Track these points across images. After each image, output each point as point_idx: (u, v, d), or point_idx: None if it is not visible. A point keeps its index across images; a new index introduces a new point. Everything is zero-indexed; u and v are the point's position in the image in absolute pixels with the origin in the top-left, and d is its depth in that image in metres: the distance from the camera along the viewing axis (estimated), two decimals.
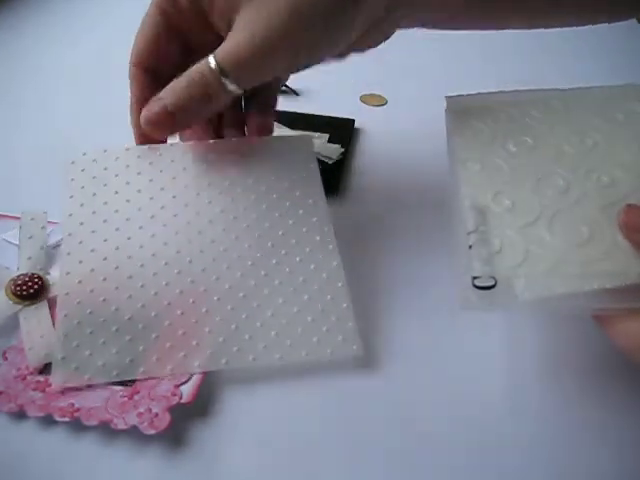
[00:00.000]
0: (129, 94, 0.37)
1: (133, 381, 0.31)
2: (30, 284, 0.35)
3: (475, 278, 0.28)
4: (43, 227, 0.38)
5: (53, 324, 0.33)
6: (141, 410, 0.30)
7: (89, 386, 0.31)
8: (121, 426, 0.29)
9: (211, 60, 0.31)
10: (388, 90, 0.56)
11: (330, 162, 0.46)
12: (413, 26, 0.36)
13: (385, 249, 0.40)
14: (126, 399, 0.30)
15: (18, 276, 0.35)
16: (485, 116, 0.35)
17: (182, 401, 0.30)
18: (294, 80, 0.56)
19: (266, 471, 0.29)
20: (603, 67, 0.58)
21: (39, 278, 0.35)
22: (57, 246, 0.38)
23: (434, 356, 0.34)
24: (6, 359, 0.32)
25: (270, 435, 0.30)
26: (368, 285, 0.37)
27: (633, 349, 0.26)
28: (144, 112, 0.34)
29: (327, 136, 0.49)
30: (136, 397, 0.30)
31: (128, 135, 0.49)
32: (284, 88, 0.56)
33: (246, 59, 0.31)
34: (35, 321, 0.34)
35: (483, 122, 0.35)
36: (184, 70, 0.33)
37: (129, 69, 0.36)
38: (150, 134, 0.35)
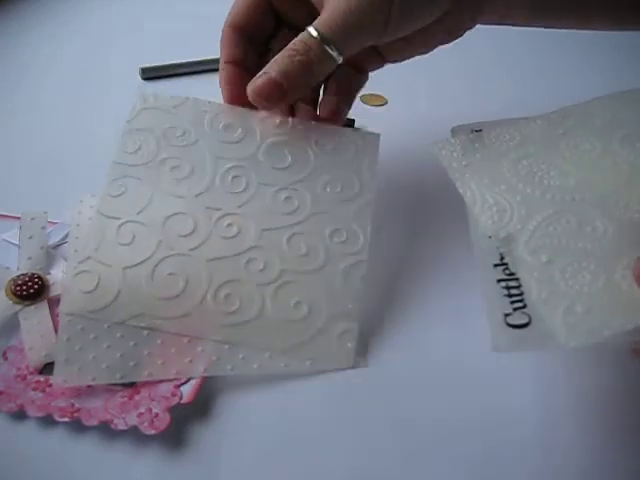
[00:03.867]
0: (220, 54, 0.38)
1: (134, 382, 0.31)
2: (30, 284, 0.35)
3: (507, 315, 0.27)
4: (43, 227, 0.38)
5: (53, 324, 0.33)
6: (141, 410, 0.30)
7: (89, 386, 0.31)
8: (121, 426, 0.29)
9: (312, 30, 0.33)
10: (388, 90, 0.56)
11: None
12: (492, 21, 0.37)
13: (385, 249, 0.40)
14: (126, 399, 0.30)
15: (18, 276, 0.35)
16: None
17: (182, 401, 0.30)
18: None
19: (266, 471, 0.29)
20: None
21: (39, 278, 0.35)
22: (57, 246, 0.38)
23: (434, 358, 0.34)
24: (6, 359, 0.32)
25: (270, 435, 0.30)
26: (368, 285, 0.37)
27: None
28: (250, 86, 0.34)
29: None
30: (136, 397, 0.30)
31: None
32: None
33: (345, 24, 0.33)
34: (35, 321, 0.34)
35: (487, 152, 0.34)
36: (272, 41, 0.36)
37: (223, 30, 0.38)
38: (260, 106, 0.36)
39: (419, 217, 0.42)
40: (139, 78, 0.57)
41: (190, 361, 0.32)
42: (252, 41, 0.38)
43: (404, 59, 0.39)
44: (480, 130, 0.36)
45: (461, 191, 0.33)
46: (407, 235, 0.41)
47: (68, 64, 0.59)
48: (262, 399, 0.32)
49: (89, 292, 0.33)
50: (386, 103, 0.55)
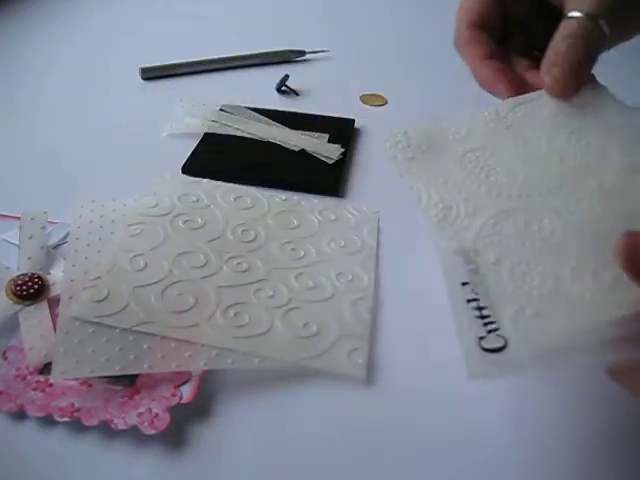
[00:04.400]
0: (467, 57, 0.37)
1: (134, 381, 0.31)
2: (30, 284, 0.35)
3: (481, 339, 0.25)
4: (43, 227, 0.38)
5: (53, 324, 0.33)
6: (141, 410, 0.30)
7: (89, 386, 0.31)
8: (121, 426, 0.29)
9: (576, 14, 0.33)
10: (388, 90, 0.56)
11: (330, 162, 0.46)
12: None
13: (385, 249, 0.40)
14: (126, 399, 0.30)
15: (18, 276, 0.35)
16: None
17: (182, 401, 0.30)
18: (294, 80, 0.56)
19: (265, 471, 0.29)
20: None
21: (39, 278, 0.35)
22: (57, 246, 0.38)
23: (433, 371, 0.34)
24: (6, 359, 0.32)
25: (270, 435, 0.30)
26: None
27: None
28: (547, 79, 0.34)
29: (327, 136, 0.49)
30: (136, 397, 0.30)
31: (127, 133, 0.49)
32: (284, 88, 0.56)
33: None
34: (35, 321, 0.34)
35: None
36: (504, 35, 0.36)
37: (460, 32, 0.37)
38: (556, 96, 0.34)
39: (418, 216, 0.42)
40: (139, 78, 0.57)
41: (190, 355, 0.32)
42: (493, 34, 0.38)
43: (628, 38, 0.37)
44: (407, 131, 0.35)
45: (408, 185, 0.32)
46: (406, 234, 0.41)
47: (68, 64, 0.59)
48: (262, 399, 0.32)
49: (98, 301, 0.33)
50: (386, 103, 0.55)
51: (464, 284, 0.27)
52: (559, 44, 0.33)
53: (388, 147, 0.34)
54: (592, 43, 0.33)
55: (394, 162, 0.33)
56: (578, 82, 0.34)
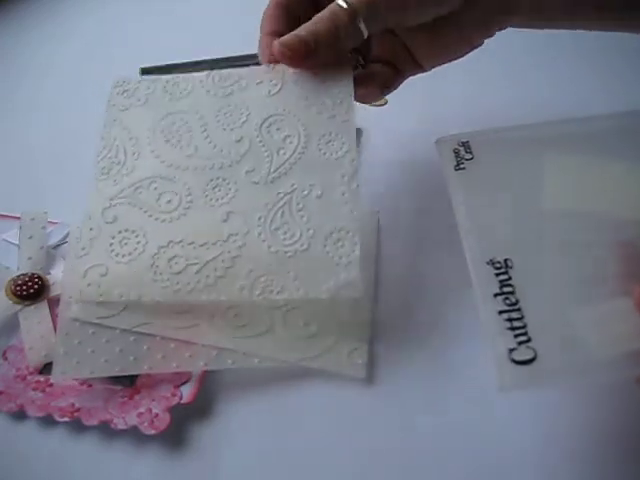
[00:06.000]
0: (261, 30, 0.38)
1: (134, 381, 0.31)
2: (30, 284, 0.35)
3: (512, 350, 0.25)
4: (43, 227, 0.38)
5: (53, 324, 0.33)
6: (141, 410, 0.30)
7: (89, 386, 0.31)
8: (121, 426, 0.29)
9: (341, 2, 0.35)
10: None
11: None
12: (508, 24, 0.37)
13: (384, 249, 0.40)
14: (126, 399, 0.30)
15: (18, 276, 0.35)
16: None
17: (182, 401, 0.30)
18: None
19: (265, 471, 0.29)
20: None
21: (39, 278, 0.35)
22: (57, 246, 0.38)
23: (433, 371, 0.34)
24: (6, 359, 0.32)
25: (269, 435, 0.31)
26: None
27: None
28: (277, 42, 0.36)
29: None
30: (136, 397, 0.30)
31: None
32: None
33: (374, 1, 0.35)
34: (35, 321, 0.34)
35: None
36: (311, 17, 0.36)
37: (267, 8, 0.39)
38: (286, 62, 0.37)
39: (417, 216, 0.42)
40: (139, 78, 0.57)
41: (190, 356, 0.32)
42: (294, 21, 0.39)
43: (439, 64, 0.39)
44: (467, 142, 0.35)
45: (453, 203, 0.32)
46: (406, 235, 0.41)
47: (68, 64, 0.59)
48: (262, 399, 0.32)
49: (98, 303, 0.33)
50: (386, 103, 0.55)
51: (496, 295, 0.27)
52: (312, 19, 0.35)
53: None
54: (343, 29, 0.34)
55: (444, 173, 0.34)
56: (309, 53, 0.35)
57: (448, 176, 0.33)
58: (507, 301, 0.27)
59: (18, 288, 0.34)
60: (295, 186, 0.33)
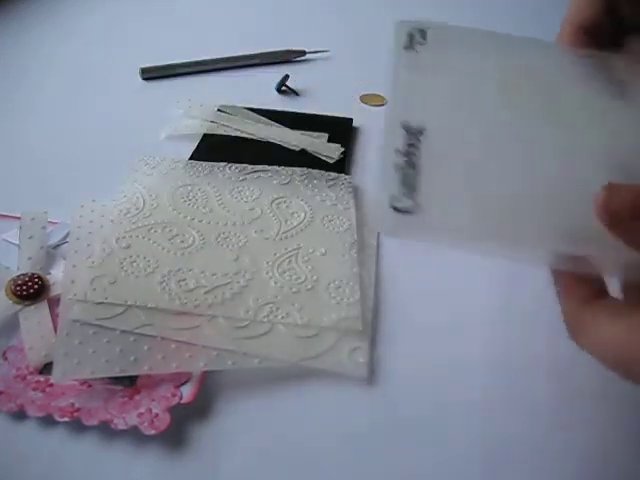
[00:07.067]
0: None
1: (134, 382, 0.31)
2: (30, 284, 0.35)
3: (395, 199, 0.24)
4: (43, 227, 0.38)
5: (53, 324, 0.33)
6: (141, 410, 0.30)
7: (89, 386, 0.31)
8: (121, 426, 0.29)
9: None
10: (388, 90, 0.56)
11: (330, 162, 0.46)
12: None
13: (385, 249, 0.40)
14: (126, 399, 0.30)
15: (18, 276, 0.35)
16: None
17: (182, 401, 0.30)
18: (294, 80, 0.56)
19: (265, 471, 0.29)
20: None
21: (39, 278, 0.35)
22: (57, 246, 0.38)
23: (434, 371, 0.34)
24: (6, 359, 0.32)
25: (270, 435, 0.30)
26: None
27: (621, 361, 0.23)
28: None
29: (327, 136, 0.49)
30: (136, 397, 0.30)
31: (126, 133, 0.49)
32: (284, 88, 0.56)
33: None
34: (35, 321, 0.34)
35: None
36: (613, 43, 0.33)
37: (565, 29, 0.35)
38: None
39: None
40: (139, 78, 0.57)
41: (190, 356, 0.32)
42: (598, 45, 0.35)
43: None
44: (425, 30, 0.33)
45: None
46: (412, 242, 0.41)
47: (68, 64, 0.59)
48: (262, 399, 0.32)
49: (99, 303, 0.33)
50: (386, 103, 0.55)
51: (398, 152, 0.26)
52: None
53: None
54: None
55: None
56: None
57: (394, 54, 0.32)
58: (407, 161, 0.26)
59: (18, 288, 0.34)
60: (301, 245, 0.38)
